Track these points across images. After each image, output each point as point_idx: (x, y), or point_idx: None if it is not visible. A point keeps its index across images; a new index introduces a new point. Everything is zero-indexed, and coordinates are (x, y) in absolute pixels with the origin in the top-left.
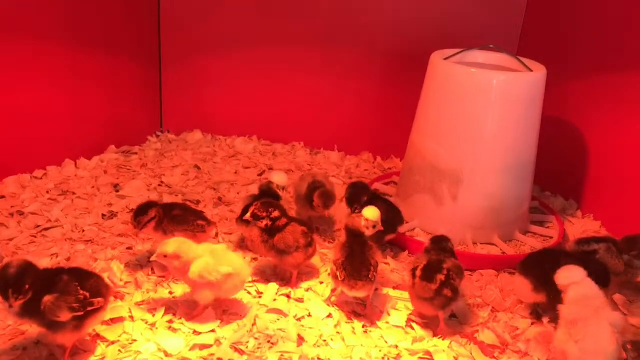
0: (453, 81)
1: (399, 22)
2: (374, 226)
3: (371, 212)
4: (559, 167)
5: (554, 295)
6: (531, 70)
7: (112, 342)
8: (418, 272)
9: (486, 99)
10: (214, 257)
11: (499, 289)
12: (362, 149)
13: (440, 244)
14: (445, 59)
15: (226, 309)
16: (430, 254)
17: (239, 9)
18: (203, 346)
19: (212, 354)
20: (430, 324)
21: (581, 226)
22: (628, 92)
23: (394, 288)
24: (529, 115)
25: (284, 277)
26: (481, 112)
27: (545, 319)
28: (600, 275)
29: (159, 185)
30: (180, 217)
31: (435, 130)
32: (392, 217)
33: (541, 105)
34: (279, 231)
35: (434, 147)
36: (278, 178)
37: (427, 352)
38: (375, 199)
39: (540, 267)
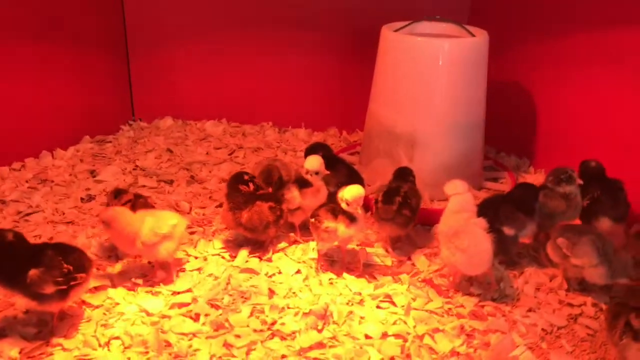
0: (403, 51)
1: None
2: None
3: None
4: (512, 129)
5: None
6: (474, 36)
7: (97, 307)
8: (380, 198)
9: (434, 64)
10: (152, 218)
11: None
12: (329, 125)
13: (403, 175)
14: (395, 31)
15: (201, 270)
16: (390, 183)
17: None
18: (182, 304)
19: (190, 311)
20: (388, 270)
21: (533, 180)
22: (570, 53)
23: (357, 245)
24: (475, 77)
25: (256, 242)
26: (430, 78)
27: (496, 262)
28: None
29: (133, 169)
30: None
31: (390, 98)
32: (354, 180)
33: (486, 68)
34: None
35: (389, 114)
36: (309, 164)
37: (387, 295)
38: (337, 162)
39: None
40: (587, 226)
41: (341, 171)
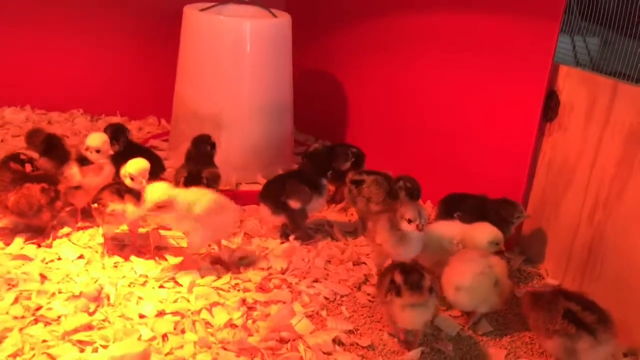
0: (205, 30)
1: None
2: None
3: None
4: (323, 115)
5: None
6: (276, 17)
7: None
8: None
9: (237, 44)
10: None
11: (258, 220)
12: (147, 114)
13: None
14: (201, 11)
15: None
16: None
17: None
18: None
19: None
20: (183, 252)
21: None
22: (375, 42)
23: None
24: (278, 59)
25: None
26: (234, 57)
27: (291, 237)
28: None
29: None
30: None
31: (194, 79)
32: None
33: (289, 50)
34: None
35: (194, 95)
36: (90, 140)
37: (172, 279)
38: (132, 147)
39: (274, 194)
40: None
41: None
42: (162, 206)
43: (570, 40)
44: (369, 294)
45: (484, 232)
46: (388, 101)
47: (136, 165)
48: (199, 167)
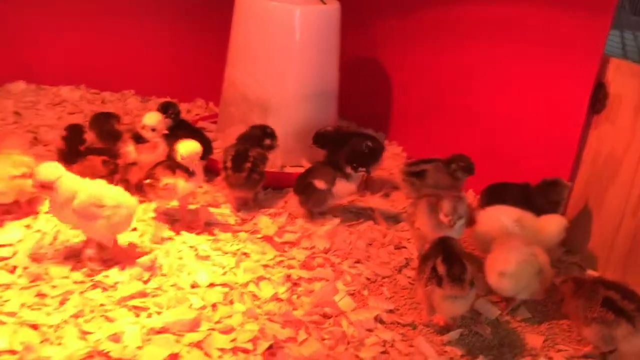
0: (256, 15)
1: None
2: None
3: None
4: (368, 103)
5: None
6: (325, 4)
7: None
8: (229, 164)
9: (286, 30)
10: None
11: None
12: (195, 96)
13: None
14: None
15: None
16: (238, 145)
17: None
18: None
19: (7, 264)
20: (230, 228)
21: (387, 151)
22: (418, 28)
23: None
24: (326, 46)
25: None
26: (284, 43)
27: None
28: None
29: None
30: None
31: (245, 63)
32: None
33: (338, 38)
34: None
35: (244, 79)
36: (147, 119)
37: (223, 250)
38: (184, 128)
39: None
40: None
41: (187, 135)
42: (45, 185)
43: (619, 34)
44: (409, 277)
45: (555, 223)
46: (434, 90)
47: (188, 148)
48: (248, 146)
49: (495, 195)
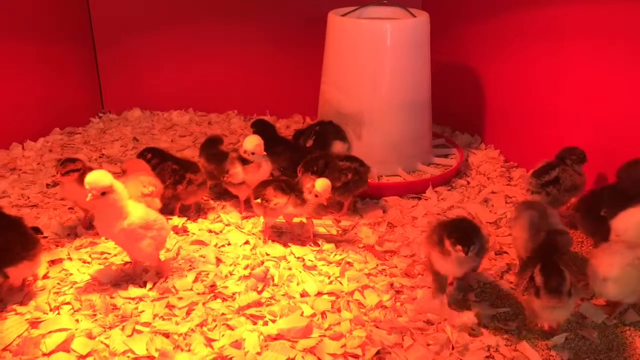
0: (348, 34)
1: None
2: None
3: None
4: (463, 108)
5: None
6: (415, 17)
7: (53, 278)
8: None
9: (377, 45)
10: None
11: (399, 210)
12: (293, 112)
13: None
14: (342, 16)
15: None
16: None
17: None
18: None
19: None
20: (333, 239)
21: (483, 155)
22: (512, 30)
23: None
24: (418, 57)
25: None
26: (375, 58)
27: None
28: None
29: (99, 157)
30: None
31: (338, 79)
32: (297, 159)
33: (428, 47)
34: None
35: (337, 95)
36: (247, 143)
37: (328, 260)
38: (279, 141)
39: None
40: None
41: (285, 152)
42: (104, 192)
43: None
44: (511, 282)
45: None
46: (529, 91)
47: (323, 185)
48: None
49: (593, 204)
